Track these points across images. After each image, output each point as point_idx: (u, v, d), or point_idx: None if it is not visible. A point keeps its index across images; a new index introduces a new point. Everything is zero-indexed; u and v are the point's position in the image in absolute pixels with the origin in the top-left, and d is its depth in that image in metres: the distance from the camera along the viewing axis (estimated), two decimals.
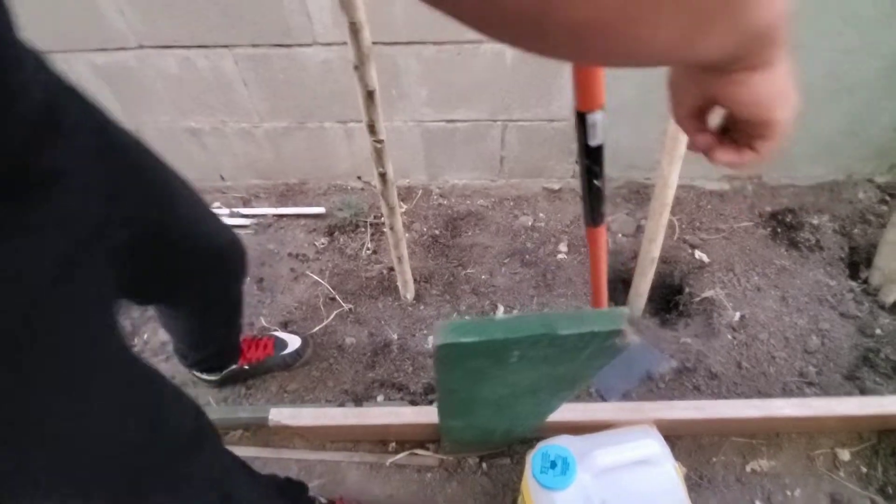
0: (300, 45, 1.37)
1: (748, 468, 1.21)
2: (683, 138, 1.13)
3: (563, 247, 1.63)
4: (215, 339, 1.14)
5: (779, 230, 1.61)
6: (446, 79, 1.41)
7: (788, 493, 1.17)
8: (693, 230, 1.64)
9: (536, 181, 1.73)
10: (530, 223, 1.70)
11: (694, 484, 1.19)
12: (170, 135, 1.63)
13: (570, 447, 0.89)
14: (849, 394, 1.24)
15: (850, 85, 1.38)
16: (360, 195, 1.77)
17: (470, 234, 1.69)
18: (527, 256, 1.60)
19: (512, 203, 1.77)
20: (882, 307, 1.47)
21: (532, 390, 0.75)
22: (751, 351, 1.31)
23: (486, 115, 1.50)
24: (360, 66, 0.87)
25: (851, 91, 1.40)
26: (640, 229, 1.66)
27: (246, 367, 1.29)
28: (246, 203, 1.81)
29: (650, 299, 1.54)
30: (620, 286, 1.56)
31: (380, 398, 1.28)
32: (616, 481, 0.85)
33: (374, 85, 0.90)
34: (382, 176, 1.09)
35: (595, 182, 0.75)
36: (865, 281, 1.51)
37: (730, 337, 1.34)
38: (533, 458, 0.87)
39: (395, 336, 1.44)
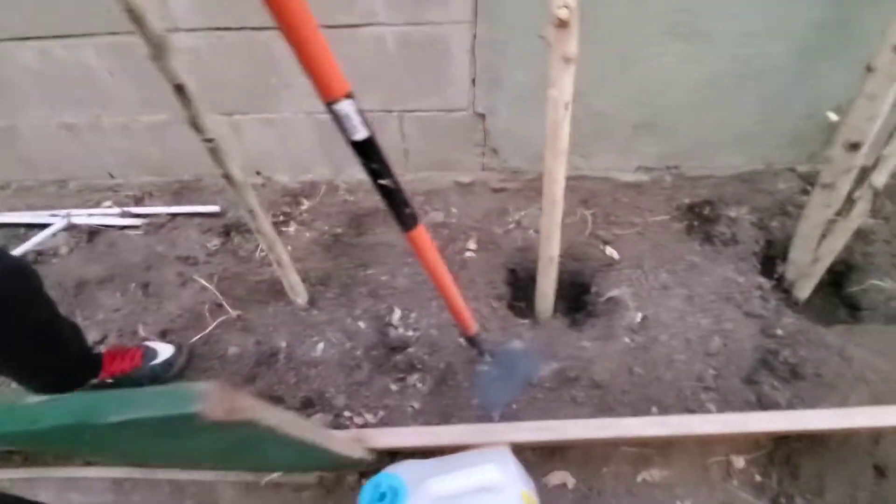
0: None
1: (639, 479, 1.15)
2: (565, 130, 1.04)
3: (472, 244, 1.54)
4: (44, 366, 1.04)
5: (695, 223, 1.54)
6: None
7: (679, 503, 1.12)
8: (608, 224, 1.56)
9: (446, 175, 1.64)
10: (441, 219, 1.61)
11: (582, 496, 1.13)
12: (46, 131, 1.51)
13: (408, 474, 0.82)
14: (746, 400, 1.18)
15: (757, 70, 1.30)
16: (261, 192, 1.66)
17: (377, 231, 1.60)
18: None
19: (422, 198, 1.68)
20: (795, 303, 1.41)
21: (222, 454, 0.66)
22: (648, 354, 1.24)
23: (379, 105, 1.40)
24: (157, 58, 0.76)
25: (760, 77, 1.32)
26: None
27: (109, 380, 1.20)
28: (139, 202, 1.69)
29: (561, 297, 1.47)
30: (532, 285, 1.48)
31: None
32: None
33: (179, 79, 0.79)
34: (227, 178, 0.99)
35: (382, 182, 0.65)
36: (781, 276, 1.45)
37: (627, 340, 1.27)
38: (363, 490, 0.80)
39: (284, 344, 1.35)
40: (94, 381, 1.18)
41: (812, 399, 1.13)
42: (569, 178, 1.67)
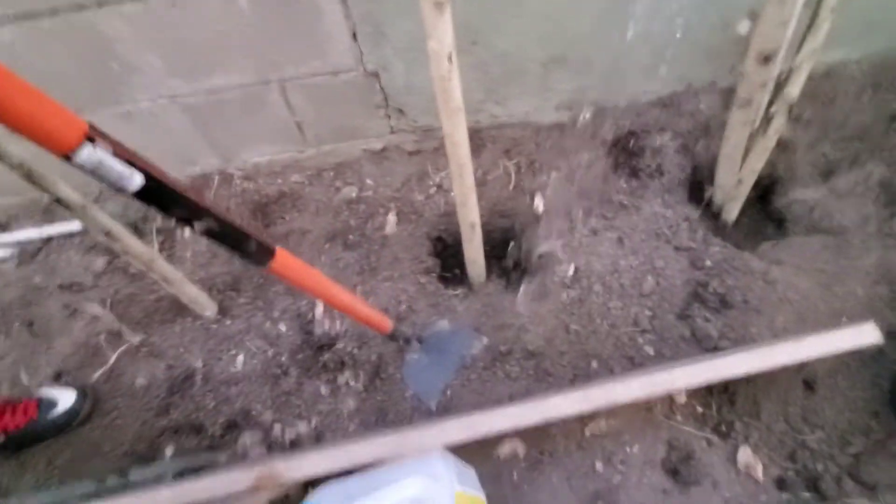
0: None
1: (587, 432, 1.14)
2: (455, 85, 0.90)
3: (391, 217, 1.42)
4: None
5: (620, 159, 1.47)
6: (175, 37, 1.09)
7: (628, 449, 1.12)
8: (532, 173, 1.47)
9: (354, 143, 1.48)
10: (355, 194, 1.47)
11: (535, 462, 1.11)
12: None
13: (331, 500, 0.75)
14: (681, 335, 1.17)
15: None
16: None
17: (286, 218, 1.45)
18: (350, 237, 1.39)
19: (332, 173, 1.52)
20: (724, 226, 1.40)
21: None
22: (584, 308, 1.20)
23: (252, 77, 1.21)
24: None
25: None
26: (478, 180, 1.47)
27: (0, 438, 1.06)
28: (5, 227, 1.45)
29: (494, 258, 1.40)
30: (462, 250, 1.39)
31: (169, 451, 1.08)
32: None
33: None
34: (59, 202, 0.81)
35: (201, 226, 0.52)
36: (710, 201, 1.42)
37: (564, 297, 1.22)
38: None
39: (199, 364, 1.22)
40: None
41: (741, 326, 1.12)
42: (488, 129, 1.56)
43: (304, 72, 1.21)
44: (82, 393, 1.13)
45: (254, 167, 1.48)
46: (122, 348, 1.23)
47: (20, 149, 0.74)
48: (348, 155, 1.50)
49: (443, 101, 0.91)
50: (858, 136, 1.42)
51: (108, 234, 0.90)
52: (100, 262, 1.35)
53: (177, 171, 1.45)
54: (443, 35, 0.78)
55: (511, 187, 1.43)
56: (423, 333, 1.14)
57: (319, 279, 0.73)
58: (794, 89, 1.03)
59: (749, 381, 1.11)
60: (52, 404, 1.10)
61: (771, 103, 1.13)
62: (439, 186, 1.46)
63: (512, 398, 1.10)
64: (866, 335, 0.83)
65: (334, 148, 1.47)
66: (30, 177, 0.75)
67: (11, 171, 0.74)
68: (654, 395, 0.86)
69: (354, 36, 1.15)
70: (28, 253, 1.40)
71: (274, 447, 1.08)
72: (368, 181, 1.50)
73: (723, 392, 1.14)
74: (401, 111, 1.38)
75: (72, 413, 1.11)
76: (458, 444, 0.84)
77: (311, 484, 1.02)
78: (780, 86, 1.08)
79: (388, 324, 0.95)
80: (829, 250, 1.22)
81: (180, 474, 1.01)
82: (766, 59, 1.05)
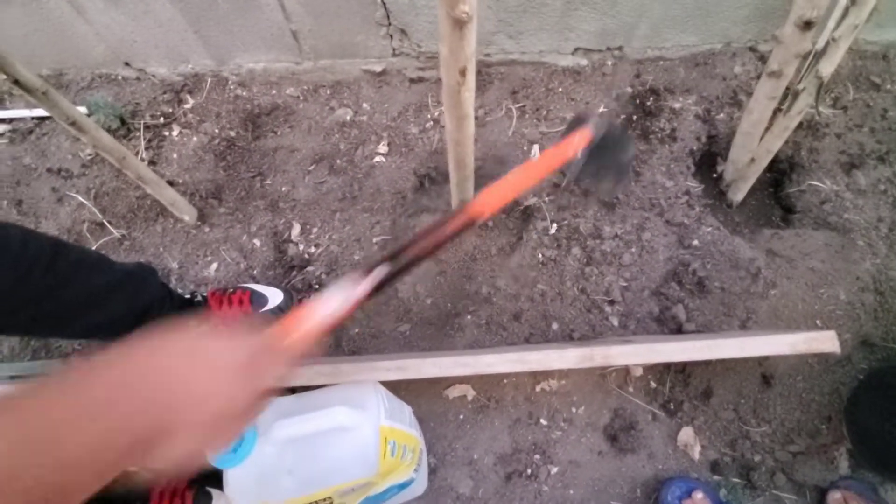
0: None
1: (538, 388, 1.16)
2: (466, 99, 0.80)
3: (382, 147, 1.37)
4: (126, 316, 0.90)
5: (634, 118, 1.36)
6: None
7: (574, 409, 1.15)
8: (537, 120, 1.38)
9: (353, 62, 1.39)
10: (349, 117, 1.42)
11: (481, 406, 1.15)
12: None
13: (272, 409, 0.79)
14: (649, 312, 1.15)
15: None
16: (136, 87, 1.42)
17: (277, 133, 1.41)
18: (337, 161, 1.35)
19: (330, 91, 1.45)
20: (729, 206, 1.32)
21: None
22: (556, 269, 1.18)
23: None
24: None
25: None
26: (478, 120, 1.40)
27: None
28: None
29: None
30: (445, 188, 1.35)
31: None
32: (302, 450, 0.76)
33: None
34: (17, 83, 0.79)
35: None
36: (720, 176, 1.33)
37: (539, 255, 1.19)
38: None
39: (176, 265, 1.26)
40: None
41: (711, 312, 1.09)
42: (498, 64, 1.45)
43: None
44: (288, 294, 1.14)
45: (249, 73, 1.42)
46: (105, 239, 1.27)
47: None
48: (347, 74, 1.43)
49: (450, 106, 0.82)
50: None
51: (73, 123, 0.89)
52: (88, 151, 1.35)
53: (170, 67, 1.41)
54: (458, 50, 0.67)
55: (510, 132, 1.35)
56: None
57: (515, 182, 0.70)
58: (827, 66, 0.92)
59: (707, 364, 1.10)
60: (262, 299, 1.11)
61: (803, 79, 1.01)
62: (436, 121, 1.39)
63: (459, 347, 1.12)
64: (824, 343, 0.79)
65: (332, 64, 1.39)
66: None
67: None
68: (589, 367, 0.85)
69: None
70: (21, 132, 1.41)
71: None
72: (365, 105, 1.43)
73: (679, 372, 1.14)
74: (404, 32, 1.28)
75: (279, 311, 1.11)
76: (387, 381, 0.86)
77: None
78: (815, 61, 0.96)
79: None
80: (830, 249, 1.15)
81: None
82: (808, 25, 0.92)
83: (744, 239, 1.16)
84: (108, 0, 1.18)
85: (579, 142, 0.79)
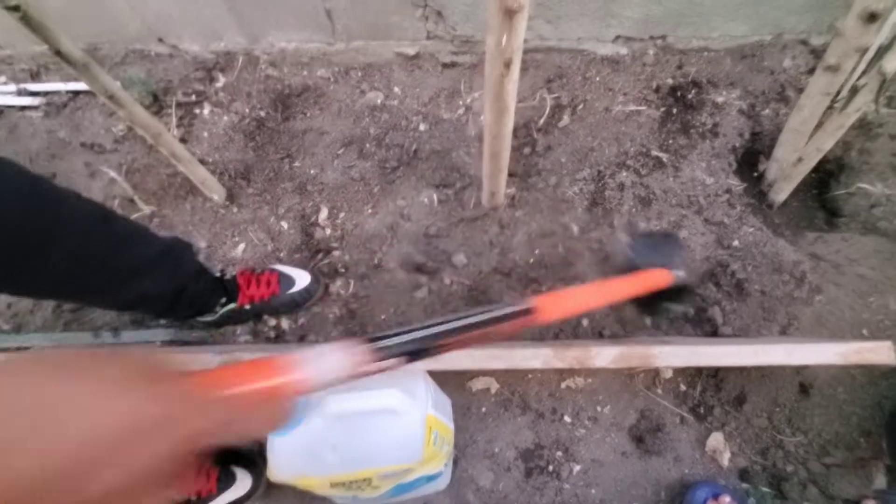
0: None
1: (563, 385, 1.14)
2: (509, 91, 0.78)
3: (421, 127, 1.34)
4: (159, 292, 0.90)
5: (674, 111, 1.31)
6: None
7: (599, 408, 1.12)
8: (573, 109, 1.34)
9: (386, 44, 1.37)
10: (380, 101, 1.39)
11: (504, 399, 1.14)
12: None
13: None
14: (684, 312, 1.11)
15: None
16: (169, 63, 1.42)
17: (307, 115, 1.40)
18: (367, 146, 1.33)
19: (361, 73, 1.43)
20: (770, 206, 1.27)
21: None
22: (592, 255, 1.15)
23: None
24: None
25: None
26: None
27: (247, 307, 1.10)
28: (35, 77, 1.46)
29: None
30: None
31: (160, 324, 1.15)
32: (350, 428, 0.76)
33: None
34: (59, 55, 0.79)
35: None
36: (762, 175, 1.28)
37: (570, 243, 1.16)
38: None
39: (204, 244, 1.26)
40: (233, 306, 1.08)
41: (749, 317, 1.05)
42: (534, 51, 1.41)
43: None
44: (315, 277, 1.14)
45: (280, 53, 1.40)
46: (136, 216, 1.27)
47: None
48: (379, 56, 1.40)
49: (492, 98, 0.80)
50: None
51: (111, 97, 0.88)
52: (121, 127, 1.36)
53: (203, 44, 1.40)
54: (506, 41, 0.65)
55: (541, 121, 1.31)
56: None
57: (589, 296, 0.63)
58: (892, 62, 0.86)
59: (742, 370, 1.07)
60: (290, 281, 1.12)
61: (863, 75, 0.95)
62: (468, 108, 1.36)
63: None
64: (879, 354, 0.75)
65: (365, 45, 1.36)
66: (27, 22, 0.72)
67: (9, 13, 0.71)
68: (627, 367, 0.82)
69: None
70: (55, 105, 1.42)
71: (259, 336, 1.13)
72: (396, 89, 1.41)
73: (712, 376, 1.10)
74: (440, 14, 1.25)
75: (307, 293, 1.12)
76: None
77: None
78: (878, 56, 0.90)
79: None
80: (880, 256, 1.10)
81: (169, 342, 1.08)
82: (873, 18, 0.86)
83: (786, 241, 1.11)
84: None
85: (661, 281, 0.75)
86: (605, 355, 0.77)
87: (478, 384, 1.14)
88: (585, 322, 1.11)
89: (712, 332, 1.06)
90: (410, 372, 0.84)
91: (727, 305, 1.07)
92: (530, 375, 1.15)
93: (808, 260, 1.07)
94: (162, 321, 1.13)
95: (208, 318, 1.08)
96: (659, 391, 1.12)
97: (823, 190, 1.30)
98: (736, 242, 1.12)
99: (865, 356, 0.76)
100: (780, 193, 1.23)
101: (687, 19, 1.25)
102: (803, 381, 1.03)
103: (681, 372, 1.12)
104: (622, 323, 1.11)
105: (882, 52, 0.88)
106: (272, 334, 1.14)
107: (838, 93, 1.04)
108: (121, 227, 0.80)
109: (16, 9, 0.70)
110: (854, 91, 0.94)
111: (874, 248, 1.09)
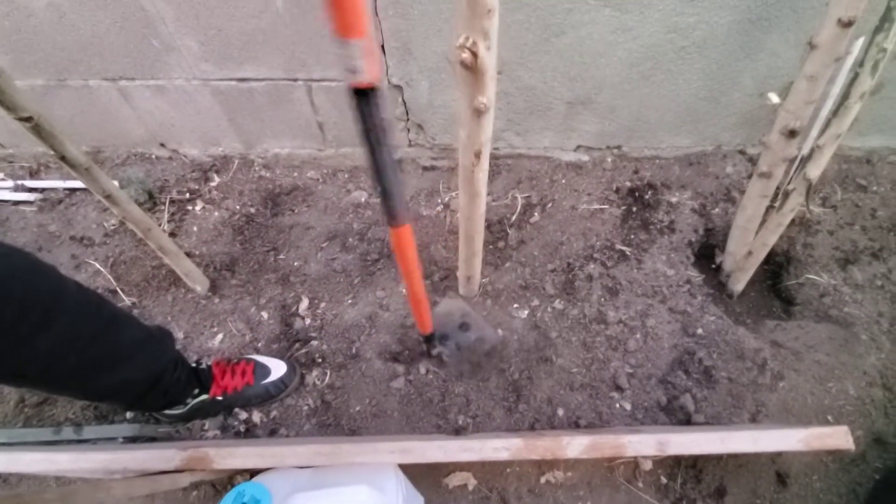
0: None
1: (543, 480, 1.11)
2: (479, 179, 0.90)
3: None
4: (134, 384, 0.90)
5: (633, 209, 1.44)
6: (214, 25, 1.14)
7: None
8: (543, 207, 1.45)
9: None
10: (363, 199, 1.50)
11: (483, 497, 1.09)
12: None
13: (278, 485, 0.76)
14: (657, 401, 1.12)
15: (699, 42, 1.17)
16: (167, 165, 1.52)
17: (295, 211, 1.48)
18: (350, 240, 1.41)
19: (347, 175, 1.55)
20: (730, 296, 1.34)
21: None
22: (567, 350, 1.18)
23: (280, 73, 1.25)
24: None
25: (702, 49, 1.18)
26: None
27: (219, 398, 1.08)
28: (34, 174, 1.55)
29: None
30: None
31: (129, 413, 1.11)
32: None
33: None
34: (63, 160, 0.86)
35: (378, 152, 0.52)
36: (719, 267, 1.38)
37: (536, 335, 1.20)
38: (224, 499, 0.74)
39: (181, 335, 1.26)
40: (205, 397, 1.06)
41: (720, 404, 1.07)
42: (506, 157, 1.56)
43: (330, 75, 1.25)
44: (291, 367, 1.13)
45: (273, 157, 1.52)
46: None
47: (34, 104, 0.79)
48: (364, 161, 1.53)
49: (465, 185, 0.91)
50: (890, 228, 1.34)
51: (108, 196, 0.95)
52: (113, 222, 1.42)
53: (201, 149, 1.52)
54: (476, 135, 0.77)
55: (513, 218, 1.42)
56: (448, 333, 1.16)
57: (411, 261, 0.78)
58: (814, 170, 0.99)
59: (719, 460, 1.06)
60: (265, 371, 1.11)
61: (791, 180, 1.09)
62: (446, 205, 1.47)
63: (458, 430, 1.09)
64: (837, 439, 0.77)
65: (352, 151, 1.50)
66: (38, 131, 0.80)
67: (21, 123, 0.79)
68: (600, 457, 0.82)
69: (382, 48, 1.18)
70: (51, 201, 1.48)
71: (228, 431, 1.10)
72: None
73: (690, 467, 1.09)
74: (420, 126, 1.40)
75: (282, 383, 1.10)
76: (398, 462, 0.83)
77: (238, 474, 1.03)
78: (803, 162, 1.04)
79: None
80: (834, 342, 1.16)
81: (132, 439, 1.03)
82: (792, 134, 1.01)
83: (747, 329, 1.17)
84: (155, 89, 1.30)
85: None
86: (575, 445, 0.77)
87: (454, 480, 1.10)
88: (561, 412, 1.11)
89: (686, 420, 1.07)
90: (380, 466, 0.82)
91: (697, 393, 1.10)
92: (508, 470, 1.12)
93: (768, 347, 1.12)
94: (128, 415, 1.10)
95: (177, 410, 1.06)
96: (640, 484, 1.10)
97: (777, 280, 1.39)
98: (700, 330, 1.17)
99: (826, 441, 0.78)
100: (738, 284, 1.32)
101: (637, 133, 1.43)
102: (779, 469, 1.03)
103: (660, 463, 1.11)
104: (598, 413, 1.12)
105: (804, 161, 1.02)
106: (242, 428, 1.11)
107: (776, 195, 1.18)
108: (109, 312, 0.82)
109: (28, 119, 0.78)
110: (787, 194, 1.07)
111: (828, 335, 1.16)
